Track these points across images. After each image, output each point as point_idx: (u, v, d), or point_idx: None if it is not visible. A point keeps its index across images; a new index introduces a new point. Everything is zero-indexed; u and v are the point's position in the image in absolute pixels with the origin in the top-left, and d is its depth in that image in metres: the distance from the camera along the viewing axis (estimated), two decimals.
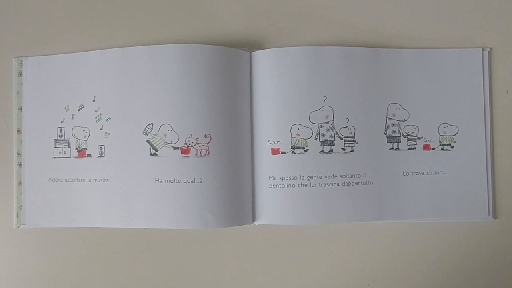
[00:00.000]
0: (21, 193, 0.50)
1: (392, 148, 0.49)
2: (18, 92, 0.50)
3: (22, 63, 0.50)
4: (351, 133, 0.48)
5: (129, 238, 0.50)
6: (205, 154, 0.47)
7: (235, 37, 0.50)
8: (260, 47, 0.50)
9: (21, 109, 0.50)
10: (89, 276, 0.50)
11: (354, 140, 0.48)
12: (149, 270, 0.50)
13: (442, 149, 0.49)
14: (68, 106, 0.49)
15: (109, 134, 0.48)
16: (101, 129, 0.48)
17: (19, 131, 0.50)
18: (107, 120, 0.48)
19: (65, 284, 0.50)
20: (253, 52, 0.49)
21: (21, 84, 0.50)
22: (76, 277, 0.50)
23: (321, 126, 0.48)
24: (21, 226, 0.50)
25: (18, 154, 0.50)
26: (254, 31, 0.50)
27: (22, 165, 0.50)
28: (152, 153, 0.47)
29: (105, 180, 0.48)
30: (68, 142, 0.49)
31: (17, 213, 0.50)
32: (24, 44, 0.51)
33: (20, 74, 0.50)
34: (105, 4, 0.51)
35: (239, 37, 0.50)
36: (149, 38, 0.50)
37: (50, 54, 0.50)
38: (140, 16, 0.51)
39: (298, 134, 0.48)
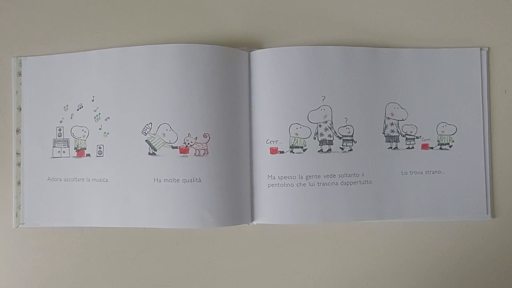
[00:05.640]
0: (20, 192, 0.50)
1: (391, 147, 0.49)
2: (17, 92, 0.50)
3: (21, 63, 0.51)
4: (349, 132, 0.48)
5: (128, 237, 0.50)
6: (203, 154, 0.47)
7: (233, 37, 0.50)
8: (259, 46, 0.50)
9: (20, 109, 0.50)
10: (88, 275, 0.50)
11: (352, 140, 0.48)
12: (148, 269, 0.50)
13: (441, 148, 0.49)
14: (67, 105, 0.49)
15: (108, 133, 0.48)
16: (100, 129, 0.48)
17: (18, 130, 0.50)
18: (106, 119, 0.48)
19: (64, 284, 0.51)
20: (251, 52, 0.49)
21: (20, 84, 0.50)
22: (74, 276, 0.50)
23: (320, 126, 0.48)
24: (20, 226, 0.50)
25: (17, 153, 0.50)
26: (252, 31, 0.50)
27: (21, 165, 0.50)
28: (151, 152, 0.47)
29: (104, 180, 0.48)
30: (67, 141, 0.49)
31: (16, 213, 0.50)
32: (23, 44, 0.51)
33: (19, 74, 0.51)
34: (104, 4, 0.51)
35: (238, 37, 0.50)
36: (148, 38, 0.50)
37: (49, 54, 0.50)
38: (139, 16, 0.51)
39: (296, 134, 0.48)
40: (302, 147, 0.48)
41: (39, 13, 0.51)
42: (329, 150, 0.48)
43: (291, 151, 0.47)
